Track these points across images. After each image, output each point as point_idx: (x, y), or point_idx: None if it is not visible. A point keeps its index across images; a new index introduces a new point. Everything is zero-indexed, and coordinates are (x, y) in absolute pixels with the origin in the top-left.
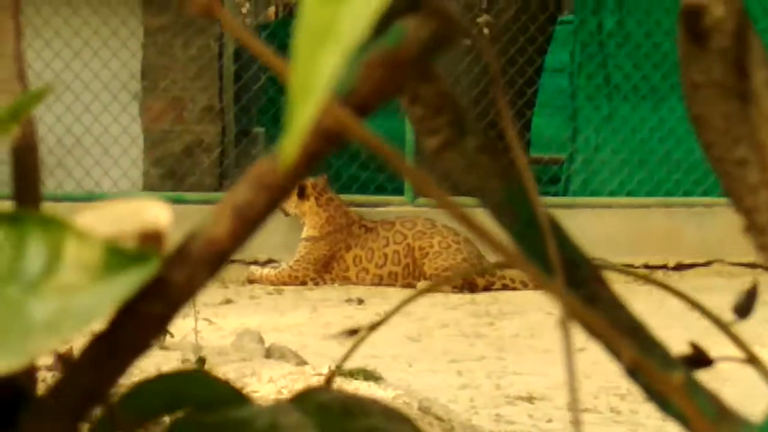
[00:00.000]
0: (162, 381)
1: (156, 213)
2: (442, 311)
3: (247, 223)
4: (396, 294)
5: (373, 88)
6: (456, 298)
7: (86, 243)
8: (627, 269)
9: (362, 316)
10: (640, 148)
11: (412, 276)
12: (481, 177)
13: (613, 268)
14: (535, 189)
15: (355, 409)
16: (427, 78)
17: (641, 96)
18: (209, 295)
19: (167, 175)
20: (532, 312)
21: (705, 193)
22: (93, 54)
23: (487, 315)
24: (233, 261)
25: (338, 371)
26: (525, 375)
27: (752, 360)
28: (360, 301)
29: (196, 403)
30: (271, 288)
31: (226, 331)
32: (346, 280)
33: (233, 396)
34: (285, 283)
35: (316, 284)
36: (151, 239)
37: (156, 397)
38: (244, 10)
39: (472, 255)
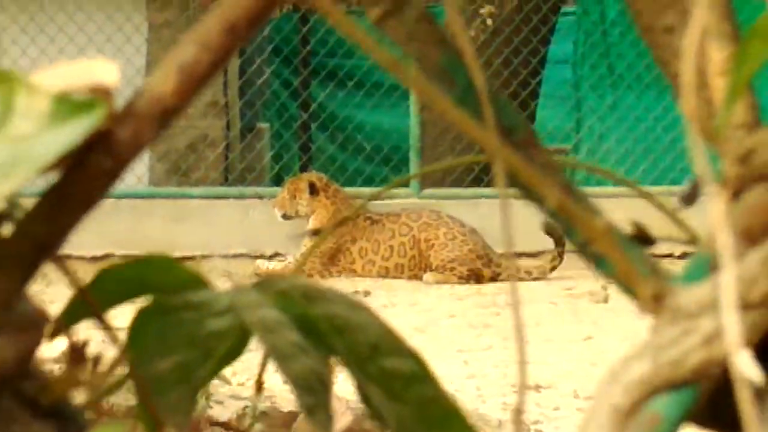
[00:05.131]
0: (128, 267)
1: (105, 71)
2: (449, 302)
3: (192, 81)
4: (402, 286)
5: None
6: (462, 289)
7: (36, 94)
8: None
9: None
10: (644, 136)
11: (418, 267)
12: (421, 45)
13: None
14: (473, 56)
15: (317, 296)
16: None
17: (645, 85)
18: None
19: (172, 170)
20: (538, 302)
21: None
22: (97, 50)
23: (493, 305)
24: (240, 255)
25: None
26: (531, 364)
27: (694, 241)
28: (367, 293)
29: (161, 288)
30: None
31: None
32: (352, 273)
33: (196, 282)
34: None
35: (323, 277)
36: (99, 95)
37: (122, 284)
38: None
39: (478, 245)
